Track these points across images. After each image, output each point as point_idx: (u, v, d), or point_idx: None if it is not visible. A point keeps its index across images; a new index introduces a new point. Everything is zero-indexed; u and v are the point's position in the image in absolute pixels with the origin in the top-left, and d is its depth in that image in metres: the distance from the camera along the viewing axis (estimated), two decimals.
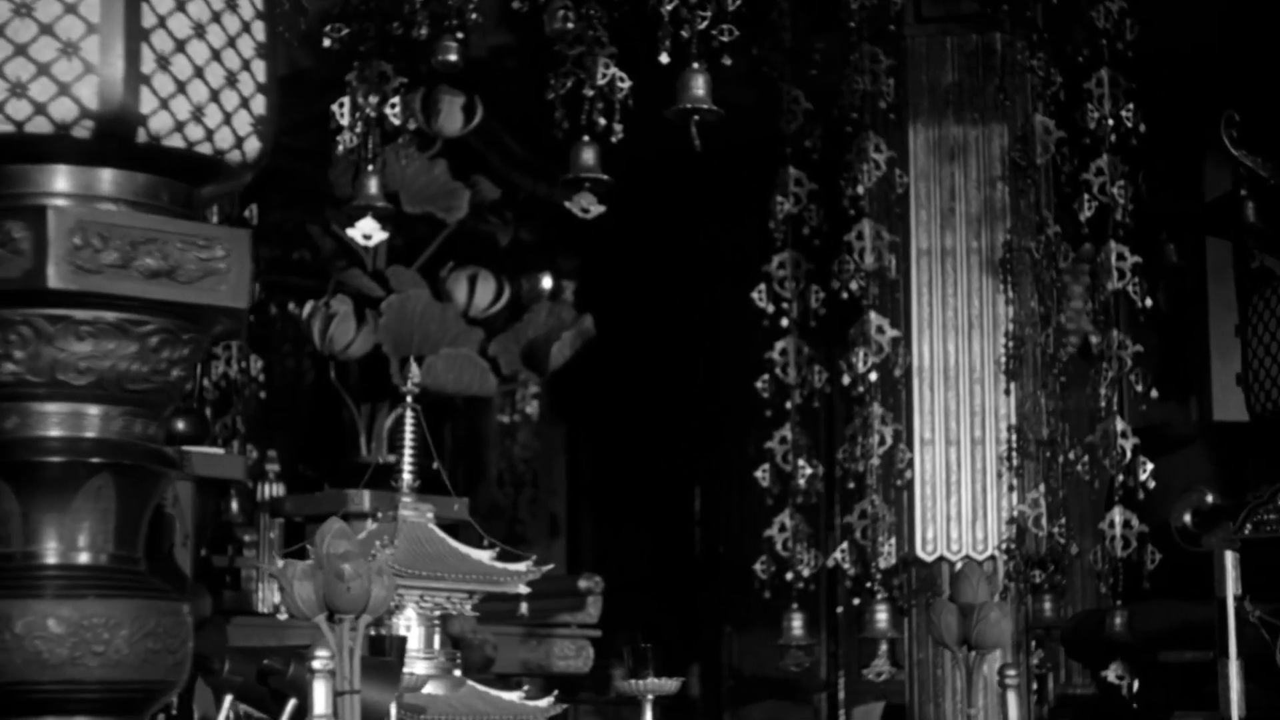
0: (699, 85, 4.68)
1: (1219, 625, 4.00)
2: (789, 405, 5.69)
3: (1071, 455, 5.38)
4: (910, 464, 5.44)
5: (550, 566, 4.38)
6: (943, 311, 5.56)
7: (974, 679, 4.12)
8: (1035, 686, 7.99)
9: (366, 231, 5.16)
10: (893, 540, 5.40)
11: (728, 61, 4.64)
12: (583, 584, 6.16)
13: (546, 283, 8.41)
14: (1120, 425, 5.60)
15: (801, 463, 5.61)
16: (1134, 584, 5.55)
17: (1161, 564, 5.51)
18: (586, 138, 5.16)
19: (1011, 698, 4.14)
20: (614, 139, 5.14)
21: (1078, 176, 5.59)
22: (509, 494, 8.51)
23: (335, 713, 3.18)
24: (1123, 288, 5.63)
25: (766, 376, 5.68)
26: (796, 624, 5.59)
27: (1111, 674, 5.58)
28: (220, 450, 5.60)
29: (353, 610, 3.22)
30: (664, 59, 4.64)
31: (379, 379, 6.06)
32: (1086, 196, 5.67)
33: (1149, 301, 5.61)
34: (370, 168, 5.23)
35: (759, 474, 5.68)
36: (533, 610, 6.34)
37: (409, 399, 4.29)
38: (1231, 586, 4.00)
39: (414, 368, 4.28)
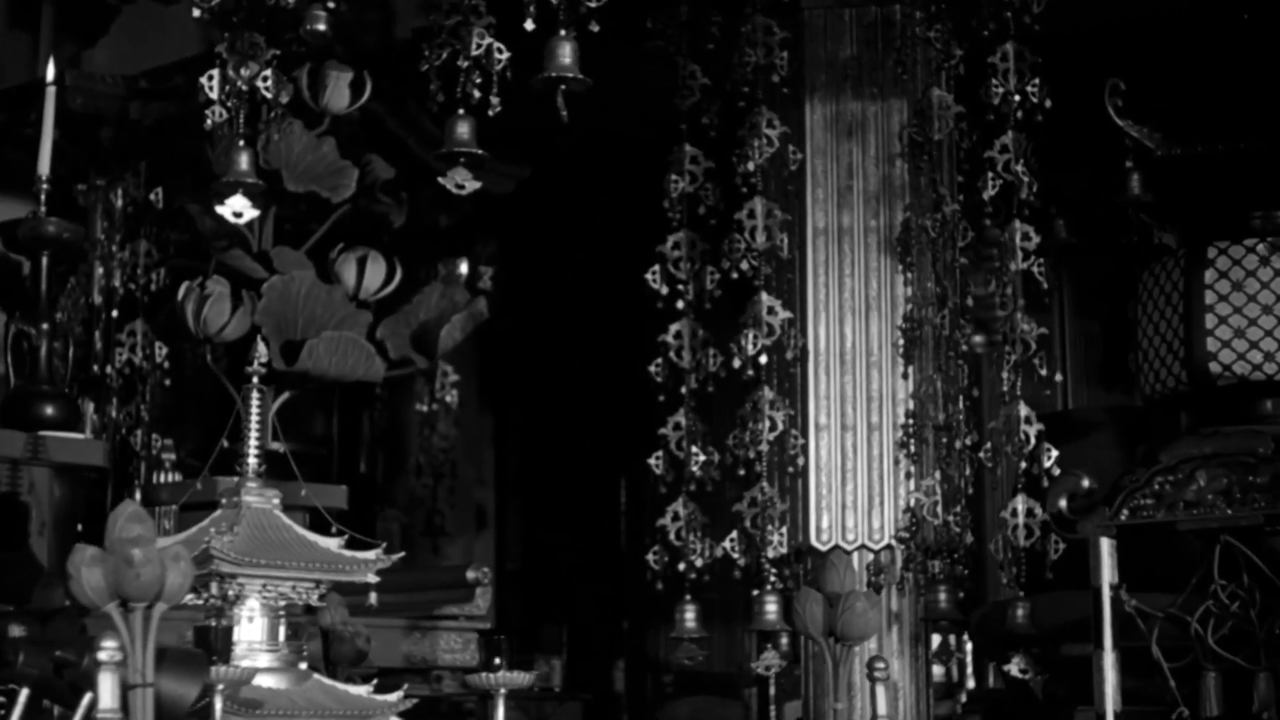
0: (566, 54, 4.48)
1: (1094, 616, 3.83)
2: (683, 390, 5.50)
3: (969, 441, 5.20)
4: (803, 450, 5.25)
5: (401, 555, 4.18)
6: (839, 293, 5.38)
7: (839, 672, 3.94)
8: (949, 680, 7.86)
9: (237, 209, 4.95)
10: (784, 529, 5.21)
11: (595, 28, 4.45)
12: (471, 575, 5.96)
13: (463, 268, 8.25)
14: (1024, 411, 5.43)
15: (695, 449, 5.42)
16: (1039, 575, 5.41)
17: (1066, 554, 5.35)
18: (462, 111, 4.95)
19: (880, 691, 3.96)
20: (490, 112, 4.94)
21: (980, 153, 5.42)
22: (427, 484, 8.33)
23: (125, 707, 3.00)
24: (1027, 268, 5.47)
25: (660, 361, 5.49)
26: (689, 616, 5.40)
27: (1014, 668, 5.40)
28: (81, 435, 5.41)
29: (144, 598, 3.04)
30: (529, 26, 4.44)
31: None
32: (990, 174, 5.50)
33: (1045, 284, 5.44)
34: (241, 143, 5.02)
35: (652, 461, 5.49)
36: (419, 602, 6.17)
37: (255, 380, 4.08)
38: (1107, 575, 3.83)
39: (260, 347, 4.08)
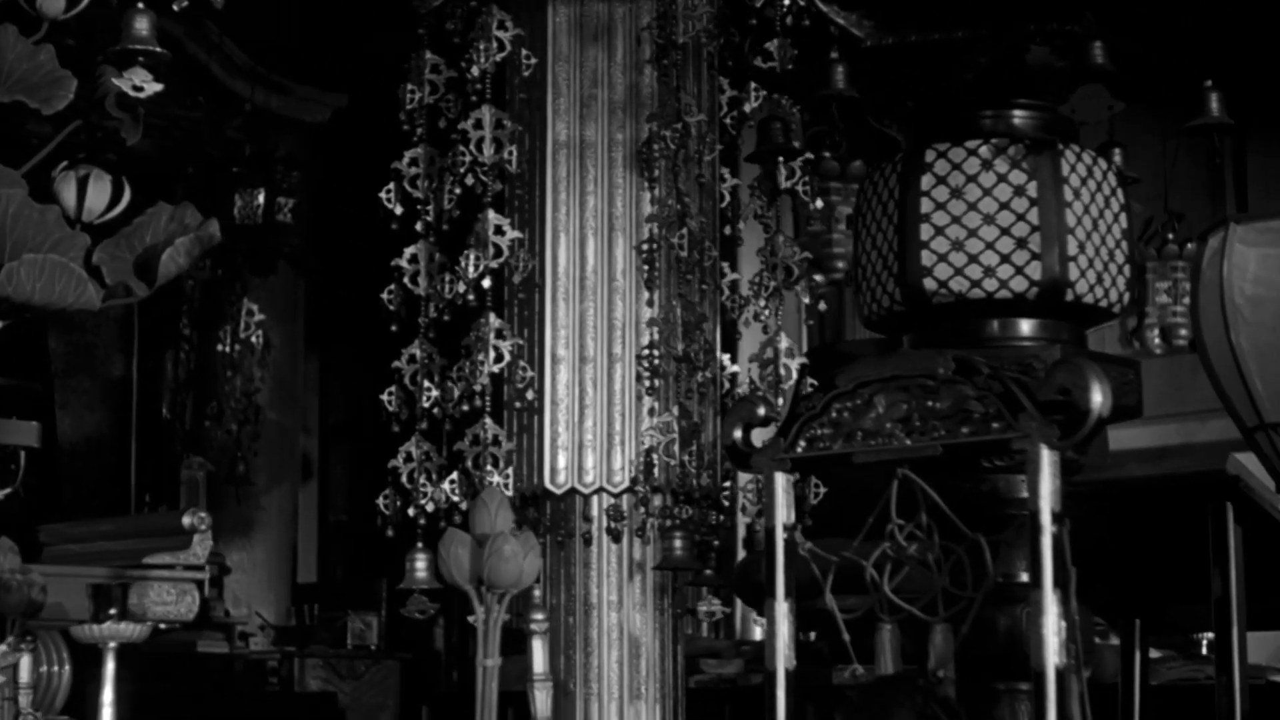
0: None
1: (766, 559, 3.38)
2: (421, 320, 5.02)
3: (709, 374, 4.75)
4: (533, 384, 4.79)
5: (7, 491, 3.70)
6: (580, 212, 4.90)
7: (489, 622, 3.48)
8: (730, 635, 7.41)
9: None
10: (510, 470, 4.75)
11: None
12: (187, 520, 5.45)
13: (261, 199, 7.76)
14: (785, 342, 4.98)
15: (427, 384, 4.95)
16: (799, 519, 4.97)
17: (829, 498, 4.92)
18: (141, 4, 4.46)
19: (537, 644, 3.51)
20: (176, 7, 4.46)
21: (745, 62, 4.96)
22: (230, 431, 7.84)
23: None
24: (791, 188, 5.02)
25: (392, 287, 5.01)
26: (420, 566, 4.92)
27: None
28: None
29: None
30: None
31: None
32: (753, 86, 5.04)
33: (819, 203, 5.00)
34: None
35: (384, 398, 5.02)
36: (127, 551, 5.68)
37: None
38: (780, 514, 3.38)
39: None
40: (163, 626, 5.52)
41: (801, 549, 3.42)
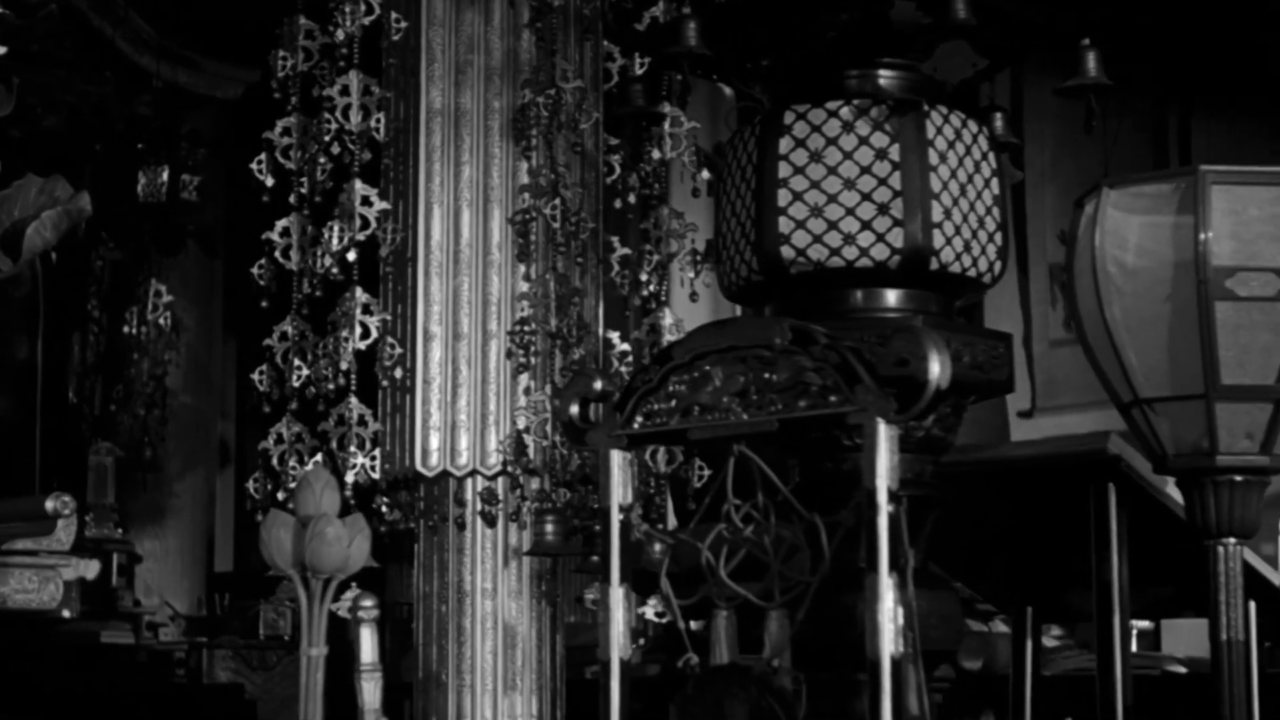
0: None
1: (603, 542, 3.19)
2: (295, 296, 4.82)
3: (584, 350, 4.55)
4: (401, 361, 4.59)
5: None
6: (455, 183, 4.70)
7: (313, 609, 3.28)
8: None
9: None
10: (377, 452, 4.55)
11: None
12: (50, 505, 5.27)
13: (165, 176, 7.54)
14: (669, 318, 4.80)
15: (299, 362, 4.74)
16: (682, 504, 4.81)
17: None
18: None
19: (365, 633, 3.32)
20: None
21: (626, 26, 4.76)
22: (138, 415, 7.64)
23: None
24: (675, 156, 4.82)
25: (263, 262, 4.81)
26: None
27: (650, 611, 4.77)
28: None
29: None
30: None
31: None
32: (636, 54, 4.85)
33: (705, 174, 4.81)
34: None
35: (254, 376, 4.82)
36: None
37: None
38: (616, 495, 3.19)
39: None
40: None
41: (636, 530, 3.23)
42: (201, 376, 8.49)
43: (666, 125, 4.64)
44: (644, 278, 4.71)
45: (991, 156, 3.62)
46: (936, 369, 2.85)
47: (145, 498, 7.87)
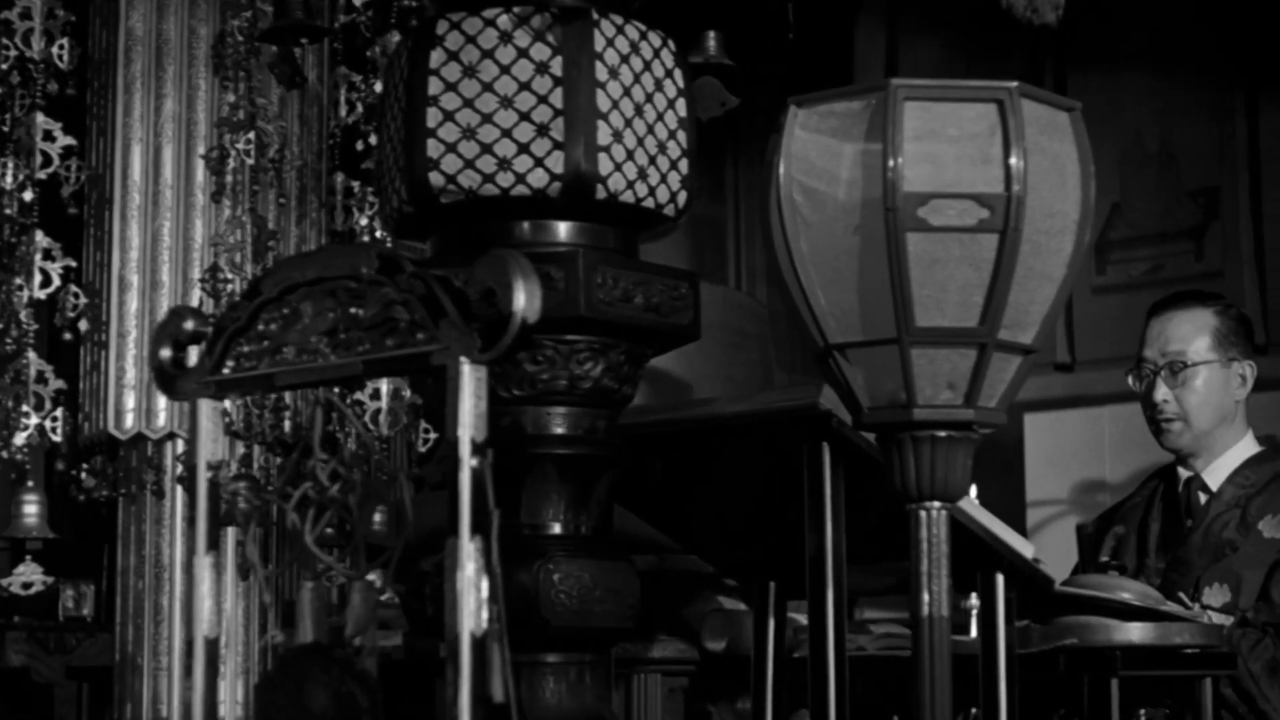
0: None
1: (189, 503, 2.78)
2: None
3: None
4: (86, 312, 4.18)
5: None
6: (155, 117, 4.29)
7: None
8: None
9: None
10: (59, 412, 4.13)
11: None
12: None
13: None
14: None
15: None
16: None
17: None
18: None
19: None
20: None
21: None
22: None
23: None
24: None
25: None
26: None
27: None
28: None
29: None
30: None
31: None
32: None
33: None
34: None
35: None
36: None
37: None
38: (204, 450, 2.78)
39: None
40: None
41: (224, 491, 2.81)
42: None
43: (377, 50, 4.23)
44: (365, 221, 4.30)
45: (679, 74, 3.21)
46: (523, 299, 2.44)
47: None
